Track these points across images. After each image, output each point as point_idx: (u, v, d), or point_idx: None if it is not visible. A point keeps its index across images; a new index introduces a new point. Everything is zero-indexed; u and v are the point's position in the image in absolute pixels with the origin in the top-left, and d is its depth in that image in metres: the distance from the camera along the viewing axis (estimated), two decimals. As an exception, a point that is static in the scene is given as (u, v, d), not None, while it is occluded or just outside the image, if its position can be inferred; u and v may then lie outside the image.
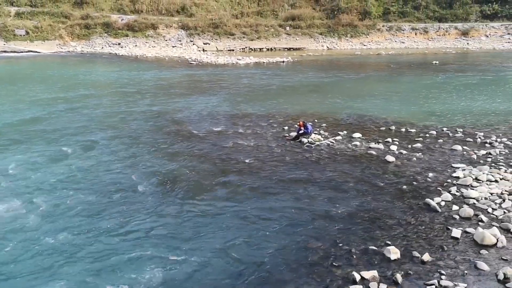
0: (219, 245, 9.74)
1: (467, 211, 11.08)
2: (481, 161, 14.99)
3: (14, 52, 49.07)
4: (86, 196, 12.20)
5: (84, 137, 17.99)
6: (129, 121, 20.73)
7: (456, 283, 8.24)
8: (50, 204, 11.66)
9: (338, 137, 17.87)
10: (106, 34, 56.58)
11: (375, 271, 8.60)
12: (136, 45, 56.26)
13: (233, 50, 59.30)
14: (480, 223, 10.65)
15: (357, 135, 18.11)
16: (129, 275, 8.64)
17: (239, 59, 48.25)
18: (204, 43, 59.57)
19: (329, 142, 17.23)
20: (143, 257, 9.26)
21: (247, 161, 15.12)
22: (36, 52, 49.92)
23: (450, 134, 18.43)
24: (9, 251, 9.44)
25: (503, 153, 15.80)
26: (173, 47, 57.64)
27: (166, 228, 10.53)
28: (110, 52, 52.95)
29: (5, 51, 49.01)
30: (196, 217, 11.06)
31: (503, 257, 9.14)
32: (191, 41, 59.82)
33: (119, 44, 55.86)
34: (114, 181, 13.33)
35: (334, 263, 8.99)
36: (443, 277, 8.48)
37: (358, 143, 17.15)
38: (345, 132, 18.64)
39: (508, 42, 66.76)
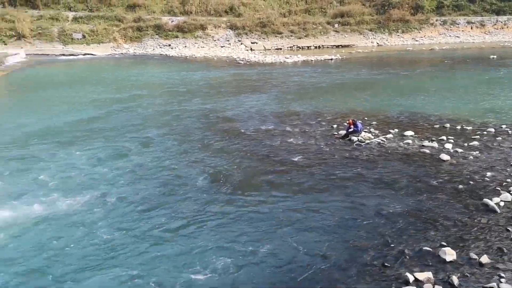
0: (269, 242, 9.79)
1: (529, 212, 10.54)
2: (544, 160, 14.20)
3: (72, 55, 51.36)
4: (144, 190, 12.71)
5: (139, 134, 18.64)
6: (181, 119, 21.21)
7: (517, 287, 7.87)
8: (111, 197, 12.23)
9: (389, 135, 17.46)
10: (157, 35, 58.11)
11: (430, 273, 8.34)
12: (185, 46, 57.43)
13: (280, 48, 59.26)
14: (543, 225, 10.10)
15: (409, 133, 17.62)
16: (187, 267, 8.90)
17: (287, 58, 48.14)
18: (252, 42, 59.92)
19: (379, 141, 16.88)
20: (199, 250, 9.51)
21: (295, 159, 15.08)
22: (92, 54, 52.01)
23: (510, 131, 17.55)
24: (74, 242, 9.94)
25: None
26: (222, 47, 58.35)
27: (218, 222, 10.74)
28: (161, 53, 54.33)
29: (63, 54, 51.40)
30: (245, 214, 11.18)
31: None
32: (239, 40, 60.33)
33: (169, 45, 57.23)
34: (168, 177, 13.78)
35: (386, 264, 8.80)
36: (502, 280, 8.12)
37: (410, 141, 16.68)
38: (396, 130, 18.19)
39: None
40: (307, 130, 18.74)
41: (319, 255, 9.24)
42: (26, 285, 8.46)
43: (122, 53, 53.82)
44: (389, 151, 15.73)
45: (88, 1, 58.30)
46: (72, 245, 9.80)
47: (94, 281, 8.55)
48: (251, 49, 58.20)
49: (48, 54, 51.20)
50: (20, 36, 51.94)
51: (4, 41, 51.12)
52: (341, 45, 61.22)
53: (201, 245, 9.70)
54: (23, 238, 10.09)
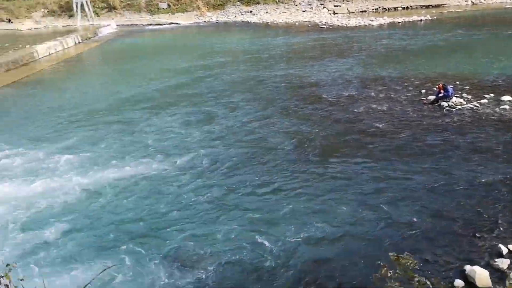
0: (353, 209, 9.76)
1: None
2: None
3: (158, 24, 53.27)
4: (230, 154, 13.22)
5: (225, 99, 19.20)
6: (265, 85, 21.42)
7: None
8: (201, 160, 12.88)
9: (484, 101, 16.33)
10: (239, 2, 58.28)
11: (526, 245, 7.88)
12: (267, 12, 57.06)
13: (365, 11, 56.83)
14: None
15: (506, 98, 16.34)
16: (274, 229, 9.17)
17: (372, 20, 46.14)
18: (334, 6, 58.04)
19: (472, 106, 15.86)
20: (286, 213, 9.74)
21: (379, 125, 14.69)
22: (177, 23, 53.53)
23: None
24: (167, 200, 10.64)
25: None
26: (303, 11, 57.20)
27: (302, 187, 10.89)
28: (243, 20, 54.54)
29: (150, 24, 53.47)
30: (329, 180, 11.21)
31: None
32: (321, 4, 58.71)
33: (251, 11, 57.19)
34: (253, 140, 14.18)
35: (477, 234, 8.44)
36: None
37: (507, 107, 15.50)
38: (491, 95, 16.94)
39: None
40: (392, 96, 18.07)
41: (406, 223, 9.05)
42: (122, 239, 9.23)
43: (205, 21, 54.78)
44: (483, 117, 14.76)
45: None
46: (165, 204, 10.51)
47: (183, 238, 9.12)
48: (334, 12, 56.46)
49: (136, 24, 53.55)
50: (111, 8, 54.72)
51: (97, 13, 54.17)
52: (431, 5, 57.31)
53: (288, 208, 9.91)
54: (122, 196, 10.99)
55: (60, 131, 16.06)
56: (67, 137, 15.36)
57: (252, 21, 53.25)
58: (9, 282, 3.79)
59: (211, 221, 9.55)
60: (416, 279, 7.34)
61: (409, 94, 18.10)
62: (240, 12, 57.33)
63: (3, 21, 53.06)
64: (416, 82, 19.85)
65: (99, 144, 14.58)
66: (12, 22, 52.94)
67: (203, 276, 7.82)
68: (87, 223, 9.83)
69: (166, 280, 7.80)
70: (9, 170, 12.78)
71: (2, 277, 3.74)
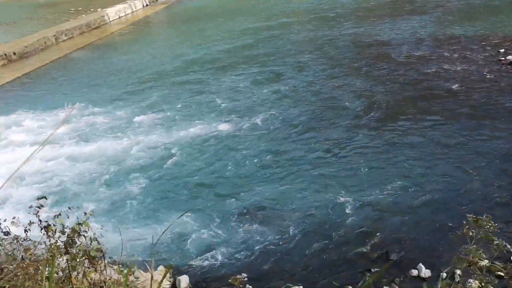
0: (429, 167, 9.53)
1: None
2: None
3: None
4: (298, 113, 13.40)
5: (292, 59, 19.11)
6: (332, 44, 20.98)
7: None
8: (269, 119, 13.15)
9: None
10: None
11: None
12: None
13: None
14: None
15: None
16: (346, 189, 9.30)
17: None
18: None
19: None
20: (354, 172, 9.86)
21: (452, 86, 13.96)
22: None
23: None
24: (237, 158, 11.07)
25: None
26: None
27: (370, 146, 10.88)
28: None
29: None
30: (398, 140, 11.15)
31: None
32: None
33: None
34: (321, 100, 14.21)
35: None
36: None
37: None
38: None
39: None
40: (468, 56, 16.97)
41: (483, 187, 8.73)
42: (197, 194, 9.73)
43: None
44: None
45: None
46: (237, 162, 10.90)
47: (256, 195, 9.45)
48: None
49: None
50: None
51: (164, -25, 54.65)
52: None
53: (360, 169, 9.96)
54: (198, 154, 11.49)
55: (133, 92, 16.83)
56: (140, 97, 16.10)
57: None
58: (88, 229, 4.09)
59: (283, 180, 9.85)
60: (496, 241, 7.08)
61: (486, 54, 16.92)
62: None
63: (77, -15, 55.01)
64: (494, 41, 18.46)
65: (172, 104, 15.13)
66: (84, -14, 54.77)
67: (280, 234, 8.10)
68: (164, 179, 10.42)
69: (242, 235, 8.17)
70: (93, 128, 13.63)
71: (81, 224, 4.04)
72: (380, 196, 8.77)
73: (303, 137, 11.76)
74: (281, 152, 11.05)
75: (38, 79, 19.90)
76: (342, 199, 8.80)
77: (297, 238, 7.88)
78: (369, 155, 10.47)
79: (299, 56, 19.49)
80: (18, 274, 3.42)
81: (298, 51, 20.42)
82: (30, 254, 3.73)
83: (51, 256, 4.02)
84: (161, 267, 7.21)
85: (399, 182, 9.14)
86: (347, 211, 8.46)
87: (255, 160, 10.78)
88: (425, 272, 6.83)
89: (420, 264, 7.02)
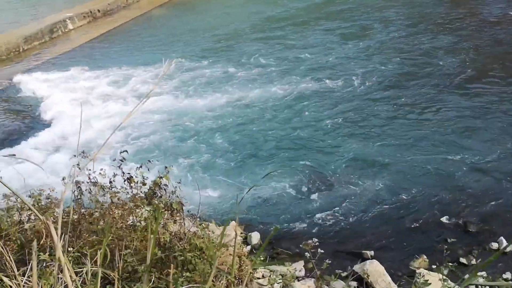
0: None
1: None
2: None
3: None
4: (388, 70, 13.09)
5: (376, 14, 18.58)
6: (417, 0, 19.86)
7: None
8: (358, 75, 12.93)
9: None
10: None
11: None
12: None
13: None
14: None
15: None
16: (430, 153, 8.94)
17: None
18: None
19: None
20: (446, 136, 9.47)
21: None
22: None
23: None
24: (326, 114, 10.93)
25: None
26: None
27: (462, 110, 10.36)
28: None
29: None
30: (490, 108, 10.38)
31: None
32: None
33: None
34: (409, 58, 13.80)
35: None
36: None
37: None
38: None
39: None
40: None
41: None
42: (282, 155, 9.70)
43: None
44: None
45: None
46: (325, 119, 10.79)
47: (336, 155, 9.34)
48: None
49: None
50: None
51: None
52: None
53: (446, 130, 9.62)
54: (285, 111, 11.46)
55: (215, 49, 16.99)
56: (222, 55, 16.19)
57: None
58: (168, 182, 4.25)
59: (371, 140, 9.66)
60: None
61: None
62: None
63: None
64: None
65: (256, 60, 15.12)
66: None
67: (357, 199, 8.00)
68: (254, 137, 10.50)
69: (321, 198, 8.10)
70: (183, 83, 13.95)
71: (162, 177, 4.21)
72: (466, 162, 8.31)
73: (392, 96, 11.43)
74: (370, 111, 10.83)
75: (122, 35, 20.66)
76: (426, 163, 8.49)
77: (375, 203, 7.73)
78: (459, 118, 9.96)
79: (384, 10, 18.78)
80: (106, 217, 3.65)
81: (383, 5, 19.59)
82: (118, 199, 3.95)
83: (135, 205, 4.26)
84: (233, 223, 7.40)
85: (488, 148, 8.67)
86: (427, 177, 8.16)
87: (344, 119, 10.63)
88: (507, 246, 6.46)
89: (502, 238, 6.66)
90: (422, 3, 19.19)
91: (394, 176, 8.31)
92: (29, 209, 3.59)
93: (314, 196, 8.09)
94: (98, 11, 24.00)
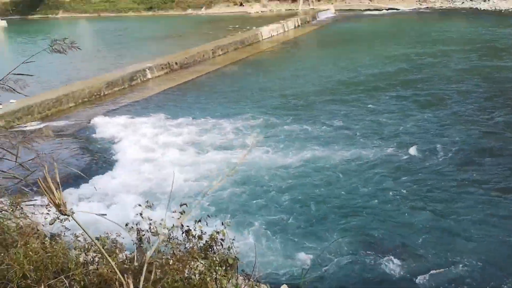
0: None
1: None
2: None
3: (376, 9, 52.24)
4: (464, 144, 12.74)
5: (452, 86, 18.38)
6: (494, 76, 19.56)
7: None
8: (431, 147, 12.69)
9: None
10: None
11: None
12: (501, -2, 50.48)
13: None
14: None
15: None
16: None
17: None
18: None
19: None
20: None
21: None
22: (396, 9, 51.59)
23: None
24: (385, 187, 10.66)
25: None
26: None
27: None
28: (471, 6, 49.43)
29: (368, 9, 52.83)
30: None
31: None
32: None
33: (483, -3, 51.32)
34: (486, 132, 13.42)
35: None
36: None
37: None
38: None
39: None
40: None
41: None
42: (349, 222, 9.53)
43: (427, 7, 51.53)
44: None
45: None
46: (398, 190, 10.49)
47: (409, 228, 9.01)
48: None
49: (354, 10, 53.54)
50: (332, -7, 55.81)
51: (318, -2, 55.95)
52: None
53: None
54: (359, 177, 11.29)
55: (283, 108, 17.29)
56: (290, 114, 16.38)
57: (482, 8, 47.86)
58: (224, 237, 4.30)
59: (445, 216, 9.24)
60: None
61: None
62: (470, -2, 52.03)
63: (236, 4, 59.18)
64: None
65: (326, 122, 15.19)
66: (243, 5, 58.69)
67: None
68: (316, 197, 10.40)
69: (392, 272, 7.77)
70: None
71: (218, 232, 4.27)
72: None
73: (466, 170, 11.10)
74: (443, 185, 10.49)
75: (195, 87, 21.71)
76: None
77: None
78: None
79: (461, 82, 18.65)
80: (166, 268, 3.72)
81: (458, 78, 19.43)
82: (180, 251, 4.03)
83: (192, 257, 4.32)
84: (284, 286, 7.23)
85: None
86: None
87: (415, 190, 10.35)
88: None
89: None
90: (501, 78, 18.81)
91: (476, 256, 7.81)
92: (95, 250, 3.75)
93: (383, 267, 7.77)
94: (176, 63, 25.51)
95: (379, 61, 24.71)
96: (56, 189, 2.31)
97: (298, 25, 42.84)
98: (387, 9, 51.86)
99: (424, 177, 10.92)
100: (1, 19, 60.91)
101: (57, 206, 2.31)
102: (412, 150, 12.38)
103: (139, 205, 4.56)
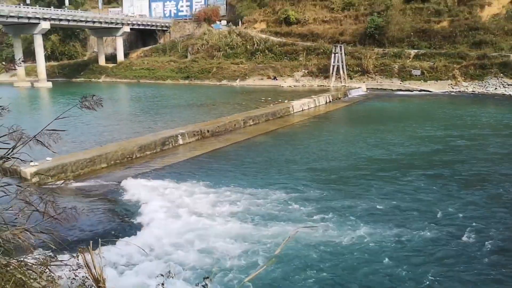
0: None
1: None
2: None
3: (408, 90, 52.92)
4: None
5: (490, 170, 17.96)
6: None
7: None
8: (465, 233, 12.08)
9: None
10: (502, 74, 53.31)
11: None
12: (536, 86, 50.45)
13: None
14: None
15: None
16: None
17: None
18: None
19: None
20: None
21: None
22: (428, 91, 52.14)
23: None
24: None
25: None
26: None
27: None
28: (504, 93, 49.53)
29: (400, 90, 53.57)
30: None
31: None
32: None
33: (516, 84, 51.47)
34: None
35: None
36: None
37: None
38: None
39: None
40: None
41: None
42: None
43: (459, 91, 51.90)
44: None
45: (432, 38, 58.86)
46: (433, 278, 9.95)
47: None
48: None
49: (385, 89, 54.42)
50: (364, 72, 57.16)
51: (350, 76, 57.33)
52: None
53: None
54: (341, 257, 10.87)
55: (306, 181, 17.06)
56: (315, 189, 16.05)
57: (517, 95, 47.87)
58: None
59: None
60: None
61: None
62: (502, 84, 52.26)
63: (270, 78, 61.12)
64: None
65: (352, 201, 14.73)
66: (276, 79, 60.52)
67: None
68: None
69: None
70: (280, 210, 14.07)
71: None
72: None
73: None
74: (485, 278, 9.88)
75: (225, 155, 21.90)
76: None
77: None
78: None
79: (499, 166, 18.42)
80: None
81: (497, 161, 19.20)
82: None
83: None
84: None
85: None
86: None
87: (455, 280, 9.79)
88: None
89: None
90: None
91: None
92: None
93: None
94: (208, 131, 26.01)
95: (412, 141, 24.56)
96: (97, 263, 2.23)
97: (330, 101, 43.59)
98: (418, 91, 52.47)
99: (479, 268, 10.31)
100: (47, 81, 64.51)
101: (97, 281, 2.20)
102: (461, 234, 11.87)
103: (161, 275, 4.41)
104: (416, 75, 55.35)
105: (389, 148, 22.64)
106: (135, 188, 16.01)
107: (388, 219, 13.08)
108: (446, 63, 55.18)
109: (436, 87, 53.12)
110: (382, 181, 16.79)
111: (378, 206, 14.15)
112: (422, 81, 54.62)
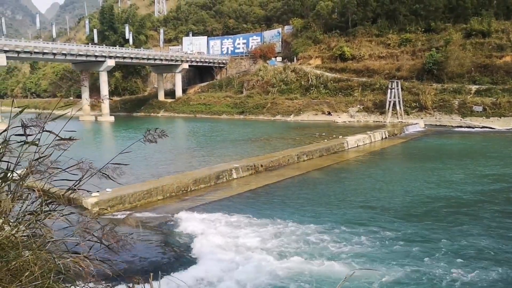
0: None
1: None
2: None
3: (469, 127, 50.90)
4: None
5: None
6: None
7: None
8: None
9: None
10: None
11: None
12: None
13: None
14: None
15: None
16: None
17: None
18: None
19: None
20: None
21: None
22: (490, 128, 49.91)
23: None
24: None
25: None
26: None
27: None
28: None
29: (460, 126, 51.64)
30: None
31: None
32: None
33: None
34: None
35: None
36: None
37: None
38: None
39: None
40: None
41: None
42: None
43: (525, 128, 49.30)
44: None
45: (495, 74, 56.76)
46: None
47: None
48: None
49: (445, 125, 52.67)
50: (422, 108, 55.76)
51: (407, 112, 56.06)
52: None
53: None
54: None
55: (355, 218, 16.64)
56: (366, 227, 15.63)
57: None
58: None
59: None
60: None
61: None
62: None
63: (324, 113, 60.99)
64: None
65: (412, 243, 14.07)
66: (331, 115, 60.30)
67: None
68: None
69: None
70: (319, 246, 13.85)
71: None
72: None
73: None
74: None
75: (277, 190, 21.83)
76: None
77: None
78: None
79: None
80: None
81: None
82: None
83: None
84: None
85: None
86: None
87: None
88: None
89: None
90: None
91: None
92: None
93: None
94: (261, 165, 26.12)
95: (475, 179, 23.42)
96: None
97: (385, 137, 42.70)
98: (480, 127, 50.34)
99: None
100: (110, 115, 68.00)
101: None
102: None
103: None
104: (477, 111, 53.23)
105: (451, 186, 21.68)
106: (189, 221, 16.22)
107: (455, 267, 12.33)
108: (510, 99, 52.81)
109: (499, 124, 50.73)
110: (444, 222, 15.96)
111: (438, 250, 13.34)
112: (484, 117, 52.40)
